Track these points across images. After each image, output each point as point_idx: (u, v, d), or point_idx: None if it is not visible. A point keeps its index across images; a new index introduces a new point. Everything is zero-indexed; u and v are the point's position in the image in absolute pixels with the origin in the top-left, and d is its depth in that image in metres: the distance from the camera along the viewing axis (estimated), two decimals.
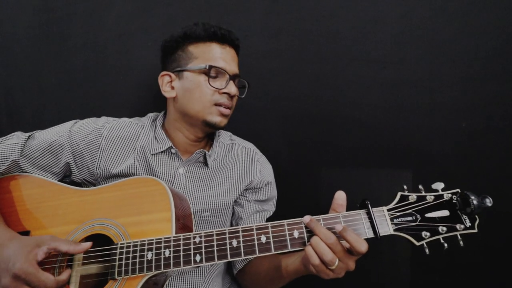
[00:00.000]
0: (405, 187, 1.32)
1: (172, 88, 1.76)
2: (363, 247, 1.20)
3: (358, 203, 1.33)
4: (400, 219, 1.26)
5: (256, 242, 1.30)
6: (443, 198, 1.26)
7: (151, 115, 1.90)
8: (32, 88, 2.26)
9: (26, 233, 1.49)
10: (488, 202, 1.18)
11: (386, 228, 1.26)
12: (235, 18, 2.23)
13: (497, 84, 2.10)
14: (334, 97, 2.21)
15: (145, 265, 1.33)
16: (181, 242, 1.34)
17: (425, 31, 2.15)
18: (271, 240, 1.29)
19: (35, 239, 1.34)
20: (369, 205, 1.28)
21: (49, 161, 1.67)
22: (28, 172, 1.65)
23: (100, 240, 1.44)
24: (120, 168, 1.68)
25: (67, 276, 1.32)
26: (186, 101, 1.71)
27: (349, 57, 2.20)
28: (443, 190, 1.28)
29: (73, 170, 1.71)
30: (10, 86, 2.26)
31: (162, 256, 1.33)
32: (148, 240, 1.36)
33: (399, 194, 1.30)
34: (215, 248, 1.31)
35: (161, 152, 1.74)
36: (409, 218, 1.26)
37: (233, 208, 1.89)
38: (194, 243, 1.33)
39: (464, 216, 1.24)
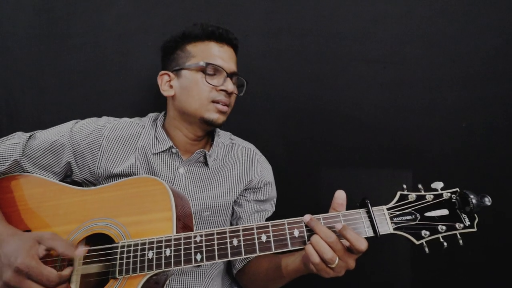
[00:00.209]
0: (404, 186, 1.32)
1: (171, 87, 1.77)
2: (363, 245, 1.21)
3: (358, 202, 1.33)
4: (399, 218, 1.27)
5: (256, 241, 1.31)
6: (443, 197, 1.27)
7: (152, 115, 1.91)
8: (32, 88, 2.25)
9: (27, 232, 1.48)
10: (487, 201, 1.19)
11: (386, 227, 1.26)
12: (235, 18, 2.24)
13: (497, 84, 2.12)
14: (334, 97, 2.22)
15: (146, 264, 1.34)
16: (182, 241, 1.34)
17: (425, 31, 2.16)
18: (272, 239, 1.30)
19: (36, 234, 1.34)
20: (369, 204, 1.28)
21: (50, 161, 1.68)
22: (29, 172, 1.66)
23: (101, 240, 1.44)
24: (121, 168, 1.69)
25: (70, 272, 1.32)
26: (184, 99, 1.72)
27: (349, 57, 2.21)
28: (442, 189, 1.29)
29: (74, 170, 1.71)
30: (10, 86, 2.25)
31: (163, 255, 1.33)
32: (149, 239, 1.37)
33: (398, 193, 1.31)
34: (216, 247, 1.32)
35: (162, 151, 1.75)
36: (409, 217, 1.27)
37: (232, 208, 1.90)
38: (195, 242, 1.33)
39: (464, 215, 1.24)
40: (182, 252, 1.33)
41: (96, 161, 1.70)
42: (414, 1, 2.16)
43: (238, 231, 1.33)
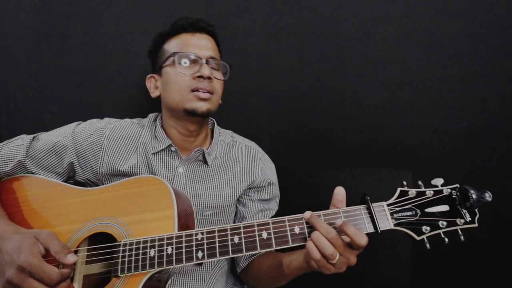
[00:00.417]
0: (404, 183, 1.33)
1: (157, 88, 1.81)
2: (363, 240, 1.21)
3: (358, 199, 1.34)
4: (400, 214, 1.28)
5: (257, 238, 1.32)
6: (443, 193, 1.28)
7: (152, 115, 1.92)
8: (32, 88, 2.27)
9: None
10: (488, 196, 1.19)
11: (386, 222, 1.27)
12: (235, 18, 2.25)
13: (497, 84, 2.13)
14: (334, 97, 2.23)
15: (147, 262, 1.35)
16: (183, 239, 1.35)
17: (425, 31, 2.17)
18: (272, 236, 1.31)
19: (34, 232, 1.36)
20: (369, 200, 1.29)
21: (53, 162, 1.70)
22: (33, 173, 1.69)
23: (103, 239, 1.46)
24: (123, 167, 1.70)
25: (69, 270, 1.32)
26: (166, 95, 1.73)
27: (349, 57, 2.22)
28: (442, 185, 1.30)
29: (76, 170, 1.74)
30: (10, 86, 2.27)
31: (165, 253, 1.34)
32: (150, 238, 1.38)
33: (398, 189, 1.32)
34: (217, 245, 1.33)
35: (161, 150, 1.77)
36: (409, 213, 1.27)
37: (236, 207, 1.91)
38: (196, 239, 1.34)
39: (464, 211, 1.25)
40: (184, 250, 1.34)
41: (98, 161, 1.71)
42: (414, 1, 2.17)
43: (239, 228, 1.34)
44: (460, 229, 1.25)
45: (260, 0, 2.25)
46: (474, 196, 1.21)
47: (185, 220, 1.48)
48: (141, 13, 2.27)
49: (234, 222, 1.91)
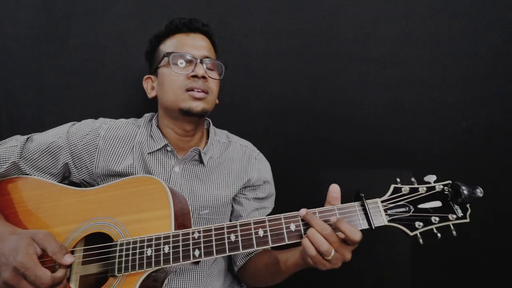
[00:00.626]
0: (398, 179, 1.38)
1: (153, 88, 1.84)
2: (357, 236, 1.25)
3: (353, 196, 1.39)
4: (393, 210, 1.32)
5: (254, 236, 1.35)
6: (435, 189, 1.33)
7: (147, 115, 1.95)
8: (32, 88, 2.30)
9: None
10: (479, 192, 1.24)
11: (380, 219, 1.32)
12: (235, 18, 2.29)
13: (498, 84, 2.17)
14: (334, 97, 2.27)
15: (144, 261, 1.37)
16: (180, 238, 1.38)
17: (425, 31, 2.21)
18: (269, 233, 1.35)
19: (31, 232, 1.36)
20: (363, 197, 1.34)
21: (48, 163, 1.72)
22: (27, 174, 1.70)
23: (100, 239, 1.49)
24: (119, 167, 1.74)
25: (63, 274, 1.32)
26: (162, 95, 1.77)
27: (349, 57, 2.26)
28: (435, 182, 1.35)
29: (72, 171, 1.76)
30: (10, 86, 2.30)
31: (162, 252, 1.37)
32: (147, 237, 1.41)
33: (392, 186, 1.37)
34: (214, 243, 1.36)
35: (157, 150, 1.80)
36: (403, 209, 1.32)
37: (232, 206, 1.94)
38: (193, 238, 1.37)
39: (456, 206, 1.30)
40: (181, 249, 1.37)
41: (93, 161, 1.75)
42: (414, 1, 2.21)
43: (235, 226, 1.38)
44: (452, 224, 1.29)
45: (260, 0, 2.28)
46: (465, 192, 1.25)
47: (182, 220, 1.51)
48: (141, 13, 2.30)
49: (230, 221, 1.91)
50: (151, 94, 1.86)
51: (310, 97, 2.28)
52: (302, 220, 1.36)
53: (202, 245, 1.36)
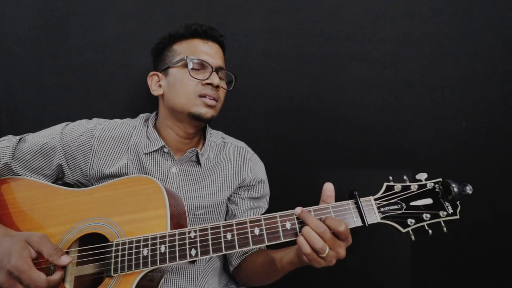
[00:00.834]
0: (390, 178, 1.44)
1: (160, 86, 1.87)
2: (341, 227, 1.30)
3: (347, 194, 1.44)
4: (386, 208, 1.38)
5: (250, 235, 1.39)
6: (426, 187, 1.39)
7: (143, 115, 1.99)
8: (32, 88, 2.33)
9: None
10: (469, 189, 1.30)
11: (373, 216, 1.37)
12: (235, 18, 2.33)
13: (497, 84, 2.22)
14: (334, 97, 2.31)
15: (141, 261, 1.41)
16: (176, 237, 1.42)
17: (425, 31, 2.26)
18: (264, 232, 1.39)
19: (25, 235, 1.38)
20: (357, 195, 1.40)
21: (41, 164, 1.75)
22: (20, 175, 1.73)
23: (95, 240, 1.51)
24: (114, 168, 1.77)
25: (60, 277, 1.35)
26: (172, 96, 1.81)
27: (349, 57, 2.30)
28: (426, 179, 1.41)
29: (65, 172, 1.79)
30: (10, 86, 2.33)
31: (158, 252, 1.40)
32: (143, 237, 1.44)
33: (385, 184, 1.43)
34: (210, 242, 1.40)
35: (154, 151, 1.84)
36: (395, 207, 1.38)
37: (227, 206, 1.99)
38: (189, 237, 1.41)
39: (447, 203, 1.36)
40: (177, 248, 1.40)
41: (88, 162, 1.78)
42: (414, 1, 2.26)
43: (231, 225, 1.42)
44: (443, 221, 1.36)
45: (260, 0, 2.32)
46: (455, 189, 1.31)
47: (178, 219, 1.55)
48: (141, 13, 2.34)
49: (225, 220, 1.93)
50: (156, 91, 1.88)
51: (309, 97, 2.33)
52: (298, 218, 1.40)
53: (198, 244, 1.40)
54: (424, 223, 1.36)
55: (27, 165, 1.73)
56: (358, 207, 1.39)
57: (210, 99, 1.77)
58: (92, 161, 1.78)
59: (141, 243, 1.44)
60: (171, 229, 1.46)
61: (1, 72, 2.34)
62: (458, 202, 1.36)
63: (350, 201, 1.42)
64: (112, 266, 1.44)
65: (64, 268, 1.41)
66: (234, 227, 1.42)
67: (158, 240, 1.43)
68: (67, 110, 2.33)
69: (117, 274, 1.43)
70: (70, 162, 1.78)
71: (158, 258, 1.41)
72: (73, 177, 1.81)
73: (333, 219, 1.34)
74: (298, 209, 1.41)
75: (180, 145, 1.90)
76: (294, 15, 2.33)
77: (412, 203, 1.38)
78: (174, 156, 1.86)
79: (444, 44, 2.25)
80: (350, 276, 2.23)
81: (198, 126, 1.88)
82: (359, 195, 1.41)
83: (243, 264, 1.93)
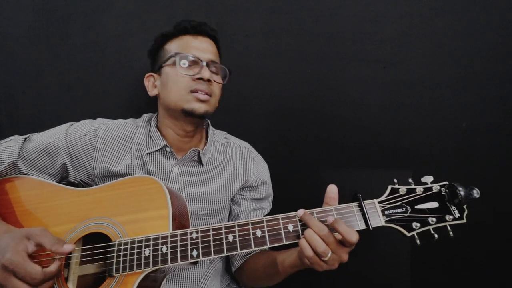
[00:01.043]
0: (395, 180, 1.39)
1: (155, 87, 1.86)
2: (353, 237, 1.26)
3: (351, 196, 1.40)
4: (391, 211, 1.34)
5: (251, 236, 1.36)
6: (432, 190, 1.35)
7: (145, 115, 1.97)
8: (32, 88, 2.31)
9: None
10: (476, 193, 1.26)
11: (377, 219, 1.33)
12: (235, 18, 2.31)
13: (497, 84, 2.19)
14: (334, 97, 2.28)
15: (142, 261, 1.39)
16: (178, 238, 1.39)
17: (425, 31, 2.23)
18: (266, 234, 1.36)
19: (25, 230, 1.37)
20: (361, 198, 1.35)
21: (46, 163, 1.74)
22: (25, 174, 1.72)
23: (98, 239, 1.49)
24: (117, 168, 1.76)
25: (56, 268, 1.33)
26: (165, 94, 1.78)
27: (349, 57, 2.27)
28: (432, 183, 1.36)
29: (70, 171, 1.78)
30: (10, 86, 2.31)
31: (160, 252, 1.38)
32: (145, 237, 1.42)
33: (389, 187, 1.38)
34: (212, 243, 1.37)
35: (156, 151, 1.82)
36: (400, 210, 1.33)
37: (230, 206, 1.96)
38: (191, 238, 1.38)
39: (453, 207, 1.32)
40: (179, 249, 1.38)
41: (91, 161, 1.77)
42: (414, 1, 2.23)
43: (233, 227, 1.39)
44: (449, 225, 1.31)
45: (260, 0, 2.30)
46: (462, 193, 1.27)
47: (180, 220, 1.53)
48: (141, 13, 2.32)
49: (228, 221, 1.91)
50: (152, 92, 1.87)
51: (310, 97, 2.30)
52: (300, 220, 1.36)
53: (200, 245, 1.38)
54: (430, 227, 1.31)
55: (32, 164, 1.73)
56: (362, 210, 1.35)
57: (202, 93, 1.73)
58: (95, 161, 1.77)
59: (143, 243, 1.42)
60: (173, 230, 1.44)
61: (1, 72, 2.33)
62: (465, 206, 1.31)
63: (354, 204, 1.37)
64: (114, 266, 1.42)
65: (66, 263, 1.42)
66: (236, 228, 1.39)
67: (160, 241, 1.41)
68: (67, 110, 2.32)
69: (118, 274, 1.41)
70: (74, 161, 1.77)
71: (159, 258, 1.38)
72: (77, 177, 1.80)
73: (346, 226, 1.29)
74: (301, 211, 1.37)
75: (181, 144, 1.87)
76: (294, 15, 2.30)
77: (418, 207, 1.34)
78: (176, 156, 1.84)
79: (444, 44, 2.22)
80: (351, 278, 2.21)
81: (195, 123, 1.84)
82: (357, 195, 1.38)
83: (245, 265, 1.90)
